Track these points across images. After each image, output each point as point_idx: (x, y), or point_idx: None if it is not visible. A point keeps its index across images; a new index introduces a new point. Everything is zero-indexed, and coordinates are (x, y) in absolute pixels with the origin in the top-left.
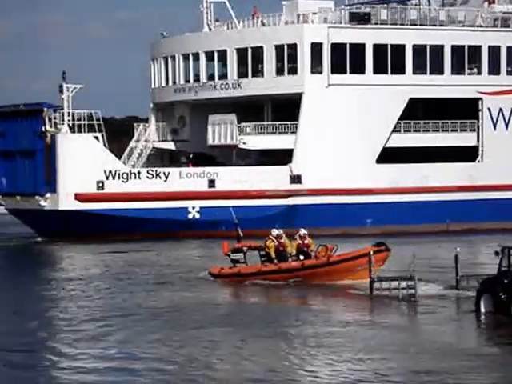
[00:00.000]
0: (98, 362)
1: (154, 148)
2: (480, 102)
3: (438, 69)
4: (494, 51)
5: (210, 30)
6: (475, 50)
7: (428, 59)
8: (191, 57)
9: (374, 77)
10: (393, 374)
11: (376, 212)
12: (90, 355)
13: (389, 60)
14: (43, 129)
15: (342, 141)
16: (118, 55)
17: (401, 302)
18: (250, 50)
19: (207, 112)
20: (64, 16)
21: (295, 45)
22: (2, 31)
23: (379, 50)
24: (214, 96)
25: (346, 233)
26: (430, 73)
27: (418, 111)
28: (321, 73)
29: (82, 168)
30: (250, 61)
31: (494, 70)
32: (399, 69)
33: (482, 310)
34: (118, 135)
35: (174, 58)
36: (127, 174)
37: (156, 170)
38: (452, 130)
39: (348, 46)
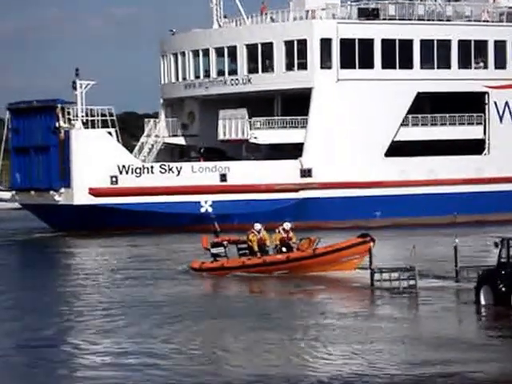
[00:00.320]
0: (110, 357)
1: (164, 143)
2: (486, 96)
3: (445, 63)
4: (500, 45)
5: (220, 26)
6: (481, 45)
7: (435, 54)
8: (201, 53)
9: (383, 71)
10: (388, 366)
11: (385, 205)
12: (103, 350)
13: (397, 55)
14: (57, 125)
15: (352, 135)
16: (120, 52)
17: (401, 293)
18: (259, 46)
19: (216, 107)
20: (64, 12)
21: (305, 40)
22: (11, 28)
23: (387, 45)
24: (225, 91)
25: (356, 225)
26: (438, 67)
27: (426, 105)
28: (330, 68)
29: (96, 163)
30: (260, 56)
31: (500, 64)
32: (407, 63)
33: (482, 301)
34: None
35: (183, 54)
36: (140, 168)
37: (168, 165)
38: (459, 124)
39: (357, 41)
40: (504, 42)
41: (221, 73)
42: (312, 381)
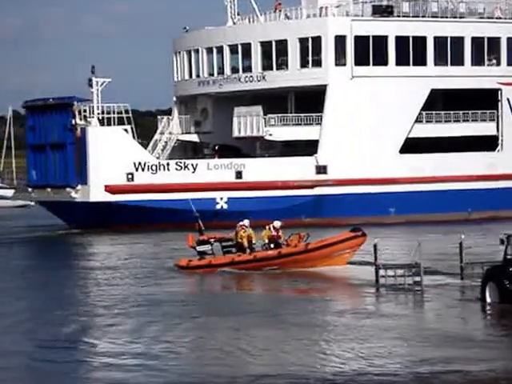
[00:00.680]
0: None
1: (177, 140)
2: (499, 93)
3: (458, 60)
4: None
5: (234, 23)
6: (494, 42)
7: (449, 51)
8: (215, 50)
9: (397, 68)
10: (392, 363)
11: (399, 201)
12: (117, 351)
13: (411, 52)
14: (73, 122)
15: (366, 131)
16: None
17: (406, 290)
18: (274, 43)
19: (230, 104)
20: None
21: (319, 37)
22: (20, 25)
23: (401, 42)
24: (239, 88)
25: (371, 222)
26: (451, 64)
27: (438, 102)
28: (345, 65)
29: (112, 160)
30: (274, 53)
31: None
32: (421, 60)
33: (487, 298)
34: None
35: (197, 51)
36: (156, 165)
37: (184, 162)
38: (472, 120)
39: (371, 38)
40: None
41: (235, 70)
42: (313, 378)
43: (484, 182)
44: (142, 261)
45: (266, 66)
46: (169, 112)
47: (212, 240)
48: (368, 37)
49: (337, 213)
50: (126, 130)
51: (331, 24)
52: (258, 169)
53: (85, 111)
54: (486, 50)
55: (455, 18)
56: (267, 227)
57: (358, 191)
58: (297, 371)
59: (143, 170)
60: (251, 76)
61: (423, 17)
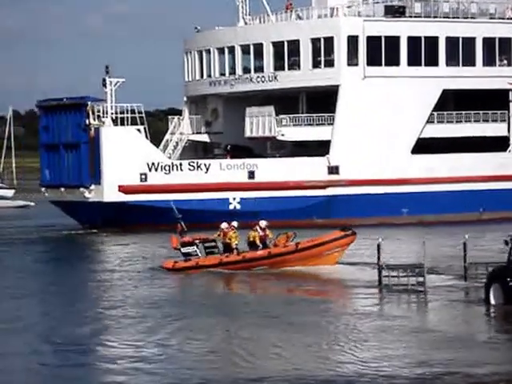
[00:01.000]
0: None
1: (188, 140)
2: (510, 93)
3: (469, 61)
4: None
5: (246, 23)
6: (506, 42)
7: (460, 51)
8: (226, 50)
9: (409, 69)
10: (394, 365)
11: (412, 202)
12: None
13: (423, 52)
14: (87, 122)
15: (378, 132)
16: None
17: (409, 291)
18: (286, 43)
19: (240, 104)
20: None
21: (331, 38)
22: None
23: (413, 42)
24: (250, 89)
25: (383, 222)
26: (463, 65)
27: (449, 102)
28: (357, 65)
29: (126, 160)
30: (286, 54)
31: None
32: (433, 61)
33: (492, 300)
34: None
35: (208, 51)
36: (169, 166)
37: (197, 162)
38: (483, 121)
39: (383, 38)
40: None
41: (246, 70)
42: (313, 380)
43: (495, 183)
44: (153, 262)
45: (278, 66)
46: (175, 112)
47: (197, 241)
48: (380, 37)
49: (349, 213)
50: (139, 130)
51: (343, 24)
52: (270, 169)
53: (98, 111)
54: (497, 51)
55: (467, 18)
56: (255, 227)
57: (370, 192)
58: (295, 373)
59: (156, 170)
60: (263, 76)
61: (435, 17)
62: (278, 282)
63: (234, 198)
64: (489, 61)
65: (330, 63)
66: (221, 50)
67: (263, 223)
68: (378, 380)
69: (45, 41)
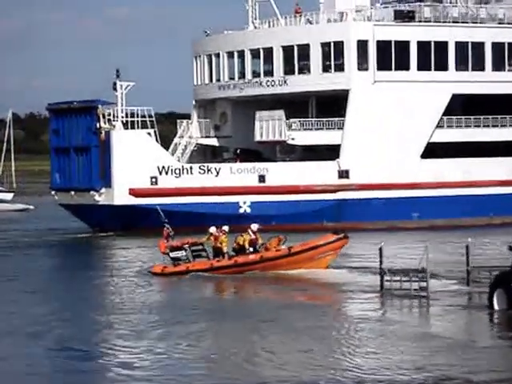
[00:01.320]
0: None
1: (196, 144)
2: None
3: (479, 65)
4: None
5: (256, 27)
6: None
7: (470, 56)
8: (236, 54)
9: (419, 73)
10: (395, 370)
11: (422, 206)
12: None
13: (432, 57)
14: (98, 125)
15: (388, 136)
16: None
17: (411, 296)
18: (296, 48)
19: (249, 108)
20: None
21: (342, 42)
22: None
23: (423, 46)
24: (260, 92)
25: (393, 227)
26: (472, 69)
27: (458, 107)
28: (367, 70)
29: (136, 163)
30: (296, 58)
31: None
32: (442, 65)
33: (495, 305)
34: None
35: (218, 55)
36: (180, 169)
37: (207, 166)
38: (493, 126)
39: (393, 43)
40: None
41: (256, 74)
42: None
43: (505, 187)
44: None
45: (288, 71)
46: (175, 116)
47: (186, 246)
48: (390, 42)
49: (359, 217)
50: (149, 134)
51: (354, 29)
52: (280, 173)
53: (109, 115)
54: (506, 56)
55: (476, 23)
56: (247, 231)
57: (380, 196)
58: (293, 380)
59: (167, 173)
60: (273, 80)
61: (444, 22)
62: (275, 287)
63: (245, 202)
64: (498, 65)
65: (340, 67)
66: (230, 54)
67: (255, 227)
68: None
69: (47, 44)
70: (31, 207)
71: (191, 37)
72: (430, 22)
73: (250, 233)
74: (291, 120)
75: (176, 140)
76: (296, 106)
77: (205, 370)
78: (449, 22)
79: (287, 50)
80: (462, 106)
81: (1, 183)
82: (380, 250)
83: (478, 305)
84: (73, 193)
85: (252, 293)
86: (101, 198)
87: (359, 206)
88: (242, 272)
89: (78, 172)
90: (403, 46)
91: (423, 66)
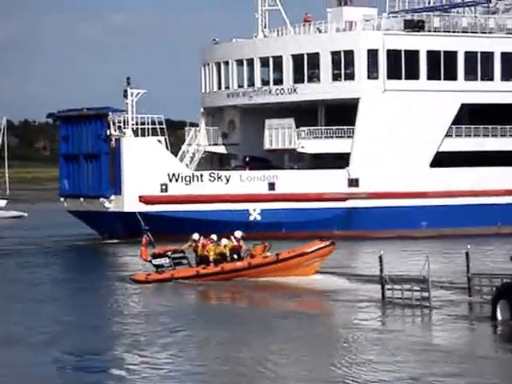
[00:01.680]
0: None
1: (205, 151)
2: None
3: (488, 75)
4: None
5: (265, 36)
6: None
7: (479, 66)
8: (245, 62)
9: (428, 82)
10: (393, 380)
11: (431, 215)
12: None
13: (442, 66)
14: (108, 132)
15: (398, 145)
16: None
17: (413, 306)
18: (305, 56)
19: (257, 116)
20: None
21: (352, 51)
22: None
23: (432, 56)
24: (269, 101)
25: (402, 235)
26: (481, 79)
27: (466, 116)
28: (377, 78)
29: (147, 171)
30: (306, 66)
31: None
32: (451, 75)
33: (499, 316)
34: None
35: (226, 63)
36: (190, 176)
37: (217, 173)
38: (501, 135)
39: (403, 52)
40: None
41: (264, 82)
42: None
43: None
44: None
45: (298, 79)
46: (172, 123)
47: (169, 253)
48: (400, 51)
49: (368, 226)
50: (159, 141)
51: (364, 38)
52: (290, 181)
53: (119, 122)
54: None
55: (485, 33)
56: (231, 238)
57: (389, 204)
58: None
59: (177, 180)
60: (282, 88)
61: (454, 32)
62: (268, 294)
63: (255, 210)
64: (507, 75)
65: (350, 76)
66: (239, 62)
67: (238, 234)
68: None
69: (44, 51)
70: (25, 214)
71: (196, 44)
72: (439, 31)
73: (233, 240)
74: (300, 128)
75: (184, 148)
76: (304, 114)
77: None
78: (458, 32)
79: (297, 59)
80: (470, 116)
81: None
82: (380, 258)
83: (479, 315)
84: (82, 199)
85: (249, 300)
86: (110, 204)
87: (368, 214)
88: (229, 279)
89: (87, 179)
90: (413, 56)
91: (433, 75)
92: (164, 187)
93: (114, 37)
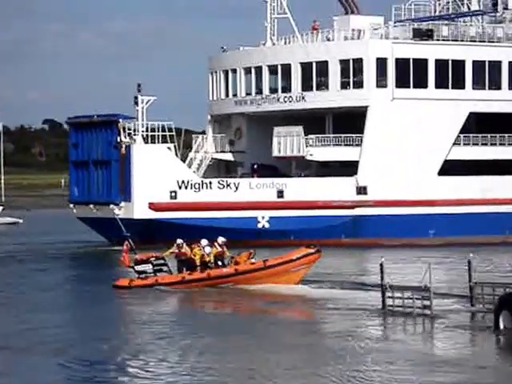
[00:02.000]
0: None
1: (212, 159)
2: None
3: (495, 84)
4: None
5: (274, 44)
6: None
7: (487, 74)
8: (253, 70)
9: (436, 91)
10: None
11: (438, 223)
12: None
13: (450, 75)
14: (118, 139)
15: (406, 153)
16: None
17: (414, 315)
18: (314, 64)
19: (264, 124)
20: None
21: (361, 59)
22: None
23: (441, 65)
24: (278, 108)
25: (410, 243)
26: (489, 88)
27: (473, 125)
28: (385, 87)
29: (156, 178)
30: (315, 74)
31: None
32: (460, 84)
33: (501, 326)
34: None
35: (234, 71)
36: (199, 184)
37: (227, 181)
38: (509, 144)
39: (411, 61)
40: None
41: (273, 90)
42: None
43: None
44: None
45: (306, 87)
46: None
47: (152, 259)
48: (408, 59)
49: (376, 234)
50: (169, 148)
51: (373, 46)
52: (299, 188)
53: (129, 129)
54: None
55: (493, 42)
56: (214, 244)
57: (397, 212)
58: None
59: (186, 188)
60: (290, 96)
61: (462, 41)
62: (259, 302)
63: (263, 217)
64: None
65: (358, 84)
66: (247, 70)
67: (221, 240)
68: None
69: (43, 58)
70: (20, 221)
71: (204, 52)
72: (447, 40)
73: (217, 246)
74: (309, 136)
75: (191, 155)
76: (312, 122)
77: None
78: (466, 41)
79: (305, 67)
80: (478, 124)
81: None
82: (381, 266)
83: (482, 324)
84: (92, 206)
85: (242, 308)
86: (120, 211)
87: (376, 222)
88: (215, 285)
89: (97, 185)
90: (421, 64)
91: (441, 84)
92: (173, 194)
93: (115, 44)
